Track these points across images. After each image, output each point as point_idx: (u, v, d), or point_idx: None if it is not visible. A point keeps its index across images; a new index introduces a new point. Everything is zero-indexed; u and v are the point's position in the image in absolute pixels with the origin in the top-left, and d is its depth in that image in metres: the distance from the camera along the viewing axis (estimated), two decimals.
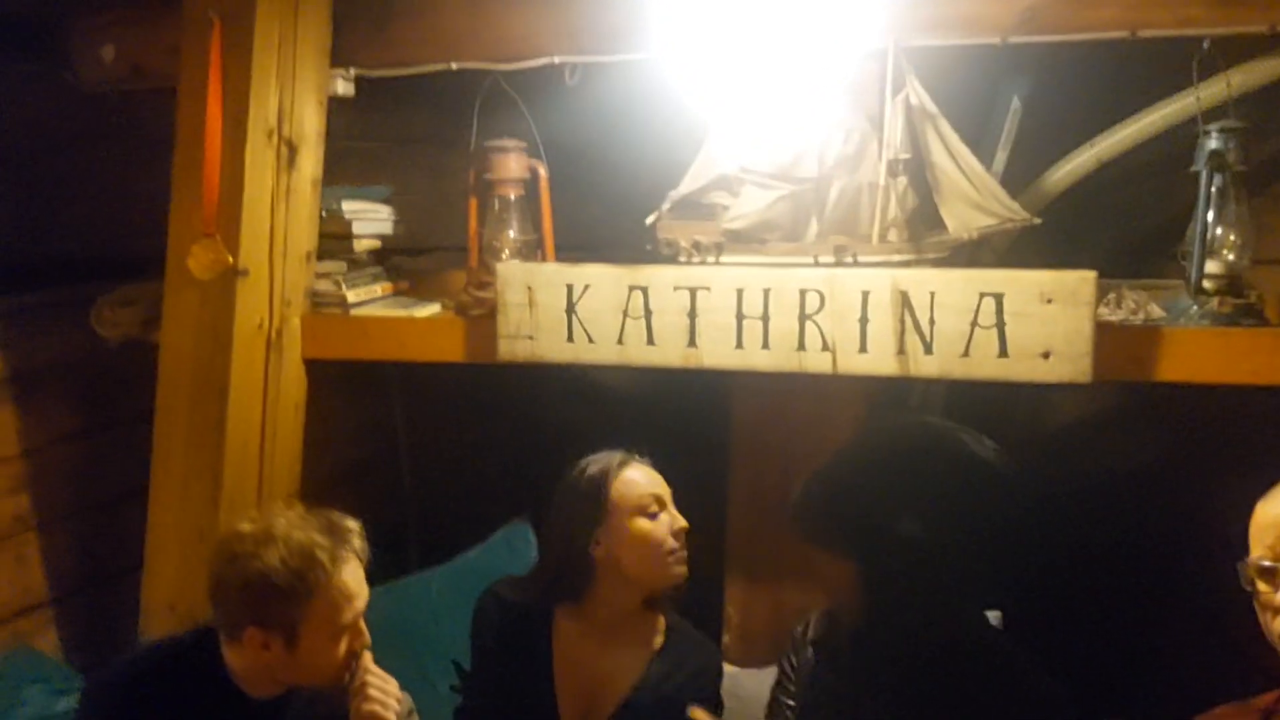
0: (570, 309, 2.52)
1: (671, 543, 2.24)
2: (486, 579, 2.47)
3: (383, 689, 2.00)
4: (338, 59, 2.74)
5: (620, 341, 2.49)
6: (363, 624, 2.01)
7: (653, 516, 2.24)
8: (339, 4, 2.71)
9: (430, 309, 2.83)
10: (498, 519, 3.10)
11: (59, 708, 2.68)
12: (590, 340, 2.52)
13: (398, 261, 3.08)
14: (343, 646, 1.98)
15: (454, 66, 2.66)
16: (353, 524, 2.01)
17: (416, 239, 3.14)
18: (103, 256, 3.10)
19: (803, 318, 2.37)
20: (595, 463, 2.30)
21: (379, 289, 2.91)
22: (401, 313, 2.81)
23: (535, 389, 2.94)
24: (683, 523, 2.27)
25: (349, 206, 2.90)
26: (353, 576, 1.97)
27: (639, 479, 2.27)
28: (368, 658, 2.02)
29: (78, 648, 3.14)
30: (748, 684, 2.52)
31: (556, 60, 2.60)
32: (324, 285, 2.83)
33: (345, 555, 1.97)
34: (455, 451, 3.39)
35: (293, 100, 2.67)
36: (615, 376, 2.63)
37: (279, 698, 2.02)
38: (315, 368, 2.83)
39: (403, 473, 3.56)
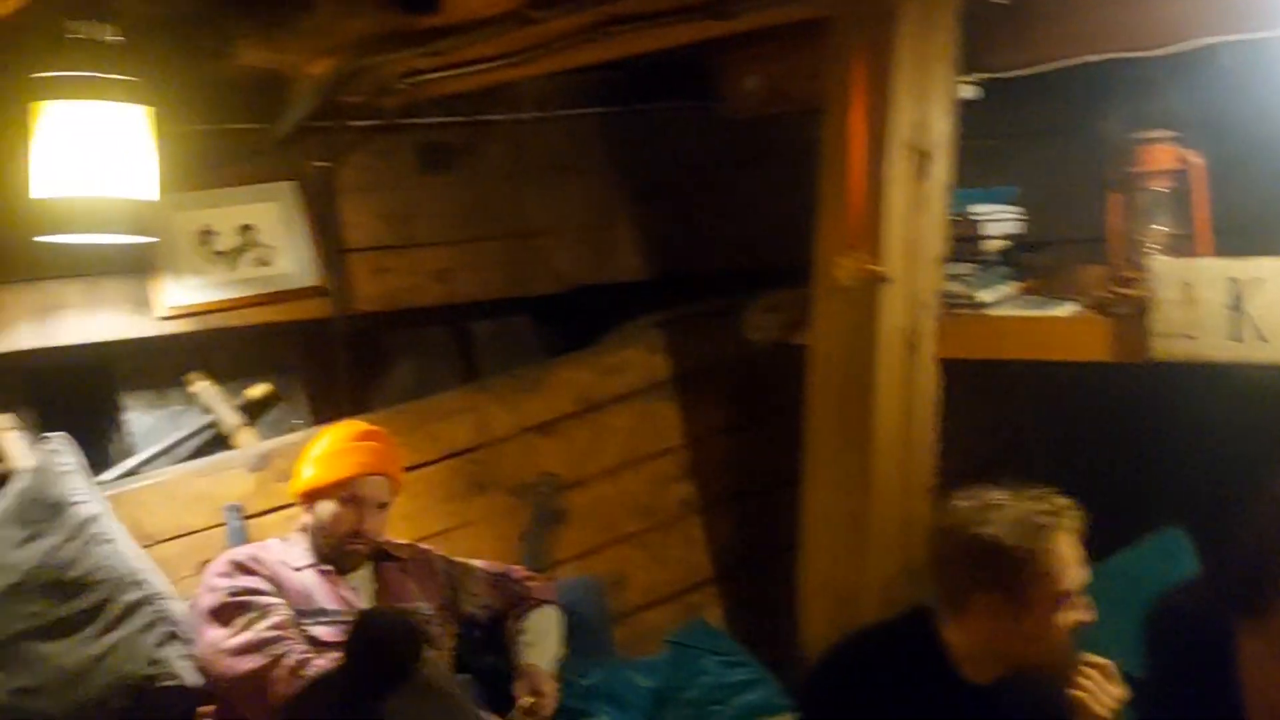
0: (1236, 305, 2.38)
1: None
2: (1138, 584, 2.43)
3: (1099, 684, 2.03)
4: (968, 65, 2.80)
5: None
6: (1086, 600, 2.06)
7: None
8: (971, 14, 2.76)
9: (1068, 308, 2.79)
10: (1135, 523, 2.98)
11: (732, 678, 2.97)
12: (1262, 339, 2.35)
13: (1020, 257, 3.08)
14: (1066, 618, 2.03)
15: (1095, 59, 2.62)
16: (1064, 500, 2.08)
17: (1037, 233, 3.12)
18: (748, 268, 3.44)
19: None
20: None
21: (1010, 288, 2.93)
22: (1039, 312, 2.80)
23: (1179, 390, 2.79)
24: None
25: (977, 209, 2.95)
26: (1070, 547, 2.04)
27: None
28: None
29: (737, 621, 3.50)
30: None
31: (1212, 41, 2.46)
32: (954, 287, 2.90)
33: (1061, 525, 2.04)
34: (1087, 452, 3.32)
35: (925, 112, 2.76)
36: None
37: (995, 684, 2.09)
38: (943, 365, 2.91)
39: (1034, 470, 3.54)
